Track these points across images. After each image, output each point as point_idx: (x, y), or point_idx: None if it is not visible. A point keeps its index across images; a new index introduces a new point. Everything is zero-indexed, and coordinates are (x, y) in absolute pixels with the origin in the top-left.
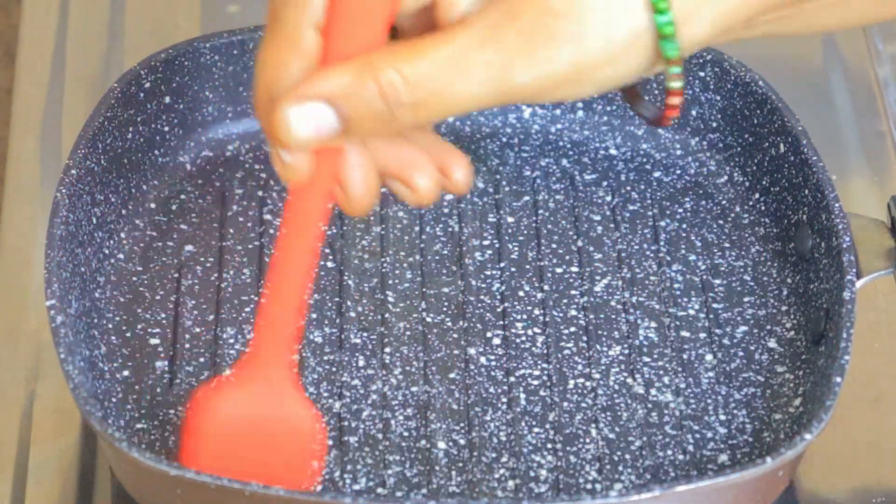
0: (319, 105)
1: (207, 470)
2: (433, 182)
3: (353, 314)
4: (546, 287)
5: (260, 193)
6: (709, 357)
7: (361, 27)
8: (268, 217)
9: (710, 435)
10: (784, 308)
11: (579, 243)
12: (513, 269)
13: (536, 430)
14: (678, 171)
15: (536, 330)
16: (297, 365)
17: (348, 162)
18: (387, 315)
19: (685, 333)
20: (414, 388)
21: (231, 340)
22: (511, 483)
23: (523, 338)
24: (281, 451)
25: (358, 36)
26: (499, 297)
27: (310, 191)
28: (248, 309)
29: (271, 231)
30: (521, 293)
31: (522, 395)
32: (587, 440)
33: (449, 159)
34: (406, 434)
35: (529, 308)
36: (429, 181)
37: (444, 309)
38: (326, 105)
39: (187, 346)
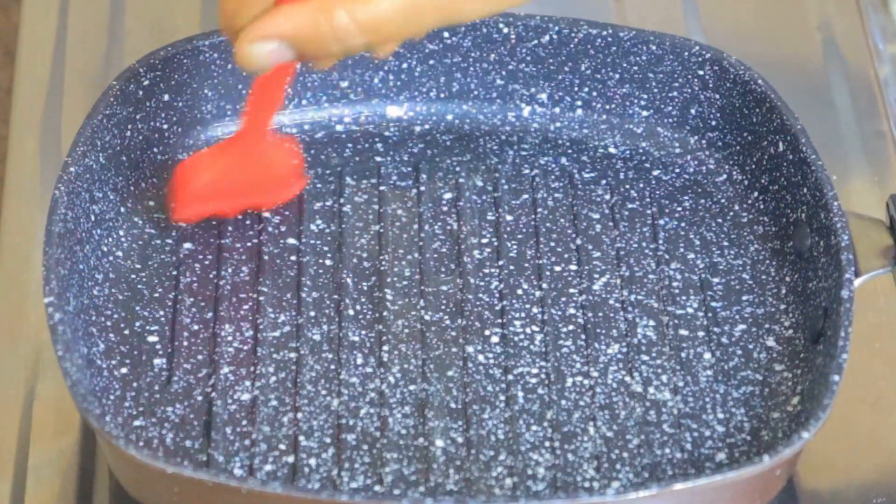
0: (277, 43)
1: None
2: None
3: (351, 312)
4: (545, 285)
5: None
6: (707, 355)
7: None
8: (266, 214)
9: (708, 433)
10: (783, 306)
11: (578, 241)
12: (511, 268)
13: (534, 428)
14: (677, 170)
15: (535, 328)
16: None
17: None
18: (385, 313)
19: (683, 332)
20: (412, 387)
21: (229, 338)
22: (509, 481)
23: (522, 336)
24: (265, 174)
25: None
26: (497, 295)
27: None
28: (246, 306)
29: (270, 229)
30: (519, 291)
31: (520, 394)
32: (585, 438)
33: None
34: (404, 432)
35: (528, 306)
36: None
37: (443, 307)
38: (284, 42)
39: (185, 343)
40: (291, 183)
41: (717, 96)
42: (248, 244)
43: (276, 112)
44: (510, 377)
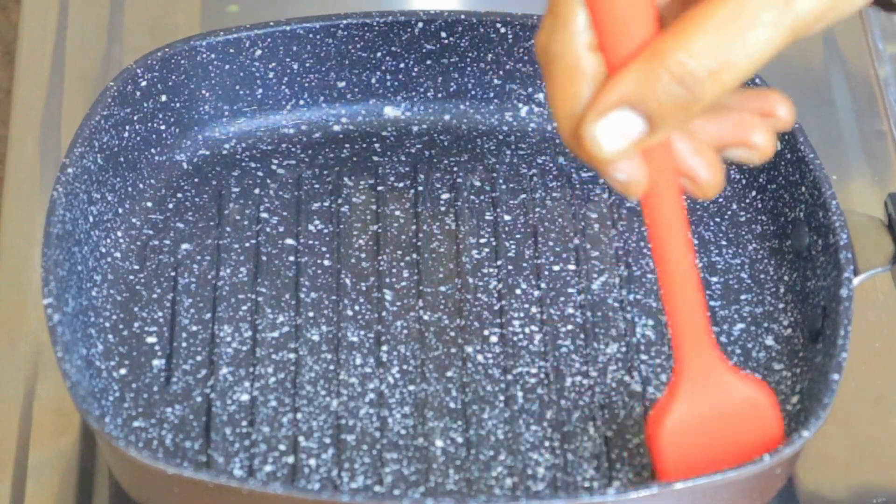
0: (621, 112)
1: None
2: (769, 134)
3: (350, 312)
4: (543, 285)
5: (256, 192)
6: None
7: (632, 29)
8: (264, 215)
9: None
10: (781, 306)
11: (576, 241)
12: (510, 268)
13: (534, 427)
14: None
15: (534, 328)
16: (718, 347)
17: (683, 151)
18: (384, 313)
19: None
20: (411, 387)
21: (228, 339)
22: (509, 481)
23: (521, 336)
24: (746, 434)
25: (631, 38)
26: (496, 294)
27: (659, 194)
28: (244, 307)
29: (268, 229)
30: (518, 291)
31: (520, 393)
32: (585, 438)
33: (766, 103)
34: (403, 432)
35: (527, 306)
36: (764, 135)
37: (442, 307)
38: (627, 109)
39: (184, 344)
40: (768, 414)
41: None
42: (247, 245)
43: (697, 283)
44: (509, 377)
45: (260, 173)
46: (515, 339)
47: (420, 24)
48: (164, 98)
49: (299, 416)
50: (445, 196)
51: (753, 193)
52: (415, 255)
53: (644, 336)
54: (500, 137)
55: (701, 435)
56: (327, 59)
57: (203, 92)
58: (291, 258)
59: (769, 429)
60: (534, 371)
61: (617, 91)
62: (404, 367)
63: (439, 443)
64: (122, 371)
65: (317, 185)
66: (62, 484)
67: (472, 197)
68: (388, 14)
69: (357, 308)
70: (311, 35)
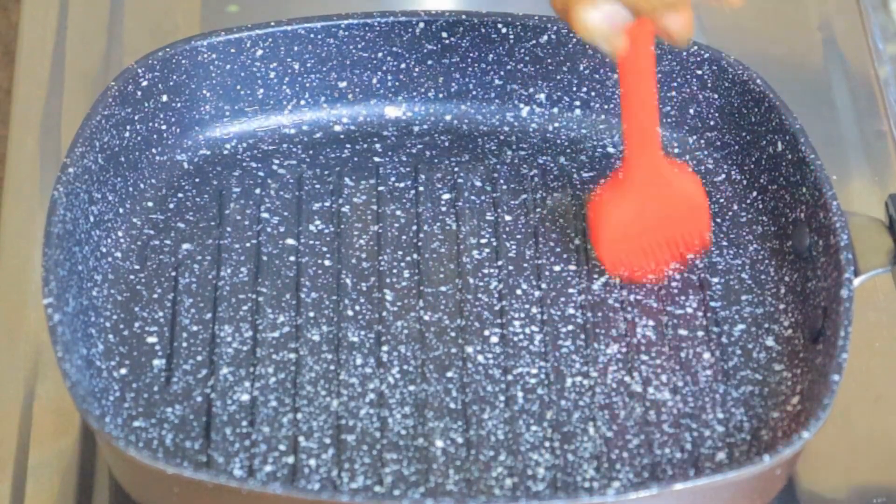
0: (611, 4)
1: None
2: None
3: (350, 313)
4: (544, 285)
5: (257, 192)
6: (707, 355)
7: None
8: (265, 215)
9: (707, 433)
10: (782, 306)
11: (577, 241)
12: (510, 268)
13: (534, 428)
14: None
15: (534, 328)
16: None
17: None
18: (384, 314)
19: (683, 332)
20: (412, 387)
21: (228, 339)
22: (509, 481)
23: (521, 336)
24: (681, 219)
25: None
26: (496, 295)
27: (636, 47)
28: (245, 307)
29: (268, 229)
30: (518, 291)
31: (520, 394)
32: (585, 438)
33: None
34: (404, 432)
35: (527, 306)
36: None
37: (442, 307)
38: (619, 4)
39: (184, 344)
40: (700, 205)
41: (716, 96)
42: (247, 245)
43: (656, 111)
44: (510, 377)
45: (261, 173)
46: (516, 339)
47: (421, 25)
48: (165, 98)
49: (299, 416)
50: (446, 196)
51: (754, 194)
52: (415, 256)
53: (644, 336)
54: (501, 138)
55: (638, 225)
56: (328, 59)
57: (204, 92)
58: (292, 258)
59: (700, 222)
60: (534, 371)
61: None
62: (405, 367)
63: (439, 443)
64: (123, 371)
65: (318, 186)
66: (62, 484)
67: (473, 197)
68: (389, 14)
69: (357, 308)
70: (312, 35)
